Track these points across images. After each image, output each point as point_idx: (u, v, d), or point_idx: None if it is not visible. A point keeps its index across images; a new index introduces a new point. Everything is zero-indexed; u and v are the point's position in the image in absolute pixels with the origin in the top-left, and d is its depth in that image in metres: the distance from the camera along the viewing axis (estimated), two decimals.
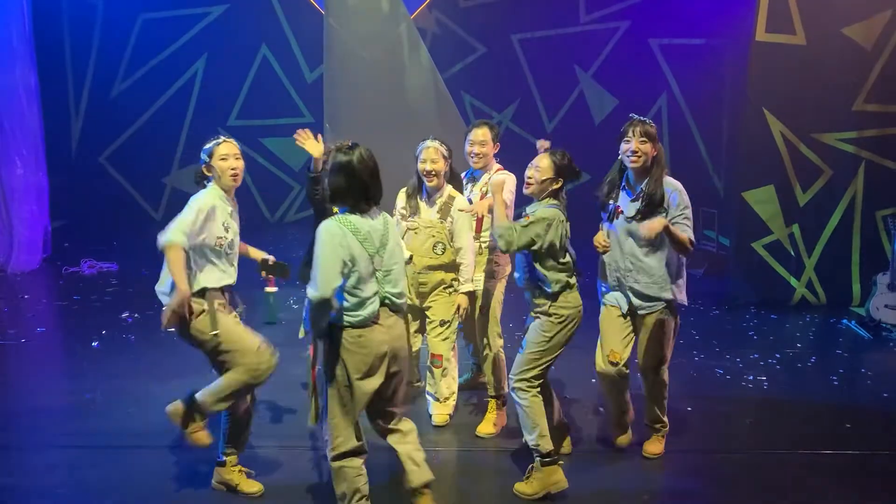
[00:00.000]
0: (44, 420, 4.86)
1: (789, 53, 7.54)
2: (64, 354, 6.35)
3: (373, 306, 3.40)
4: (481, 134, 4.82)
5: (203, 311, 3.72)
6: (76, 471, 4.17)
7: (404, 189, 4.71)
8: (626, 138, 4.07)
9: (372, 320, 3.39)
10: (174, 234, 3.60)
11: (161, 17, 11.00)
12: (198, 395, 3.74)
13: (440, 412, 4.82)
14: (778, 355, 6.35)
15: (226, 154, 3.85)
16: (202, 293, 3.74)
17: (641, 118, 4.09)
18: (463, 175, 4.97)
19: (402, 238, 4.45)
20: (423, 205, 4.62)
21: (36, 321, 7.06)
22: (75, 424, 4.75)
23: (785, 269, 7.89)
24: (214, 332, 3.70)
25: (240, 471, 3.97)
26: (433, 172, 4.51)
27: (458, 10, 11.23)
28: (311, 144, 4.21)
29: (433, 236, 4.54)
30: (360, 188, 3.41)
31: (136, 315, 7.06)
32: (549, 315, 3.94)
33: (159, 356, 6.02)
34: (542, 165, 3.95)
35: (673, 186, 4.08)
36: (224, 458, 3.95)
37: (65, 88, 11.05)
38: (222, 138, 3.93)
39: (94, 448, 4.41)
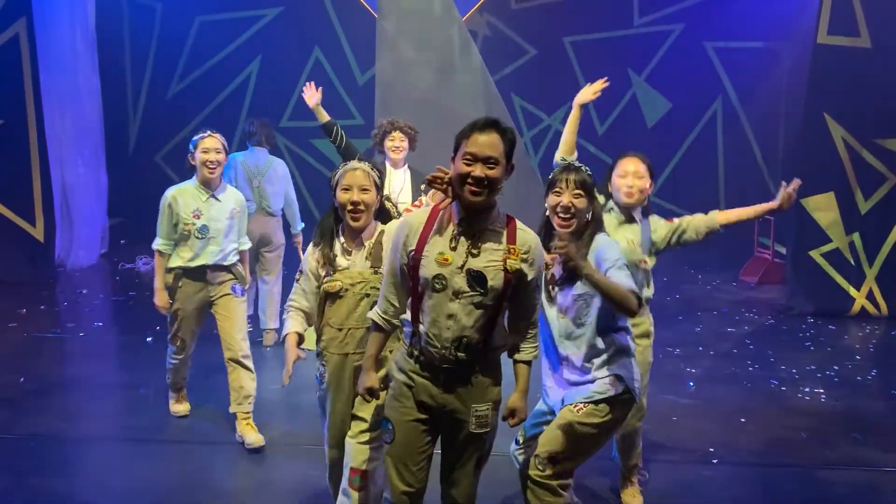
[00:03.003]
0: (99, 413, 4.99)
1: (853, 56, 7.32)
2: (119, 349, 6.51)
3: None
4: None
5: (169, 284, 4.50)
6: (130, 464, 4.25)
7: (312, 244, 3.25)
8: (555, 189, 3.00)
9: None
10: (156, 243, 4.48)
11: (217, 19, 11.22)
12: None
13: None
14: (836, 367, 6.16)
15: (207, 148, 4.38)
16: (171, 270, 4.47)
17: (576, 164, 3.09)
18: None
19: (321, 305, 3.18)
20: (342, 255, 3.17)
21: (93, 316, 7.26)
22: (129, 418, 4.85)
23: (844, 278, 7.65)
24: (167, 307, 4.53)
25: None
26: (361, 206, 3.10)
27: (510, 12, 11.19)
28: (308, 94, 4.99)
29: (367, 294, 3.09)
30: None
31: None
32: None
33: (209, 352, 6.11)
34: (641, 170, 3.67)
35: (605, 240, 3.02)
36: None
37: (124, 89, 11.35)
38: (209, 133, 4.43)
39: (148, 441, 4.50)
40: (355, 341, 3.09)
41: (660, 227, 3.77)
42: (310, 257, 3.20)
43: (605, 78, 4.34)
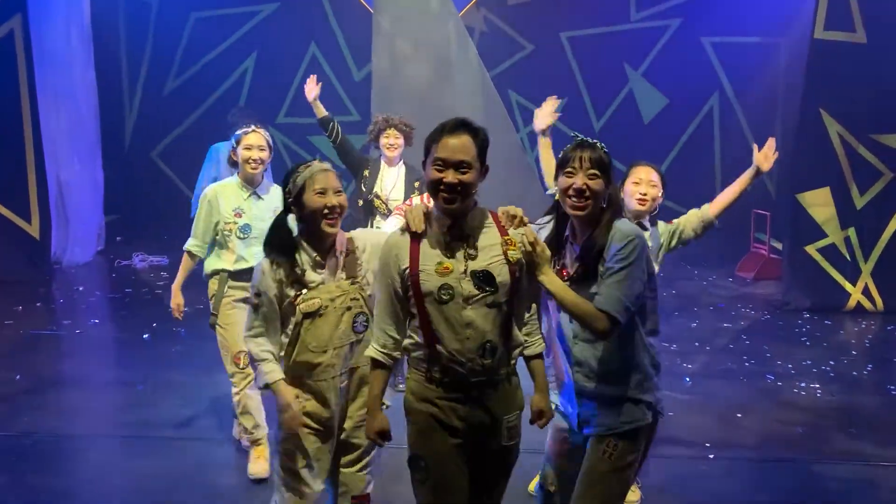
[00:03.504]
0: (96, 410, 4.98)
1: (849, 52, 7.32)
2: (116, 346, 6.50)
3: None
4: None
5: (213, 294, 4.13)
6: (127, 461, 4.26)
7: (266, 261, 2.80)
8: (567, 169, 2.61)
9: None
10: (187, 243, 4.14)
11: (212, 15, 11.19)
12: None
13: None
14: (832, 362, 6.17)
15: (250, 144, 4.07)
16: (213, 275, 4.13)
17: (590, 139, 2.65)
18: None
19: (290, 330, 2.81)
20: (312, 270, 2.81)
21: (90, 313, 7.25)
22: (127, 415, 4.85)
23: (840, 273, 7.66)
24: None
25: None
26: (338, 209, 2.80)
27: (507, 7, 11.17)
28: (308, 88, 4.94)
29: (349, 307, 2.83)
30: None
31: (185, 308, 7.15)
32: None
33: (208, 348, 6.09)
34: (654, 179, 3.57)
35: (622, 233, 2.58)
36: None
37: (120, 86, 11.32)
38: (252, 128, 4.14)
39: (145, 438, 4.50)
40: (341, 360, 2.83)
41: (664, 232, 3.78)
42: (265, 278, 2.76)
43: (555, 96, 4.21)
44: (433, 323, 2.51)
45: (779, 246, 8.87)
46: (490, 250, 2.54)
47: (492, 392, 2.56)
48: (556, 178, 2.66)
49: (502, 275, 2.51)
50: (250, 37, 11.27)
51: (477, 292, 2.50)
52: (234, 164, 4.19)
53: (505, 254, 2.53)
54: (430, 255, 2.52)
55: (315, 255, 2.80)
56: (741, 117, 11.13)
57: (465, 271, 2.50)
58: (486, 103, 7.46)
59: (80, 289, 8.12)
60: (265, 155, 4.11)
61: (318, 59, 11.27)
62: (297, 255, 2.78)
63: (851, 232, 7.60)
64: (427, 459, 2.56)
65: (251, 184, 4.14)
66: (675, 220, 3.82)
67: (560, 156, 2.66)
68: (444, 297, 2.49)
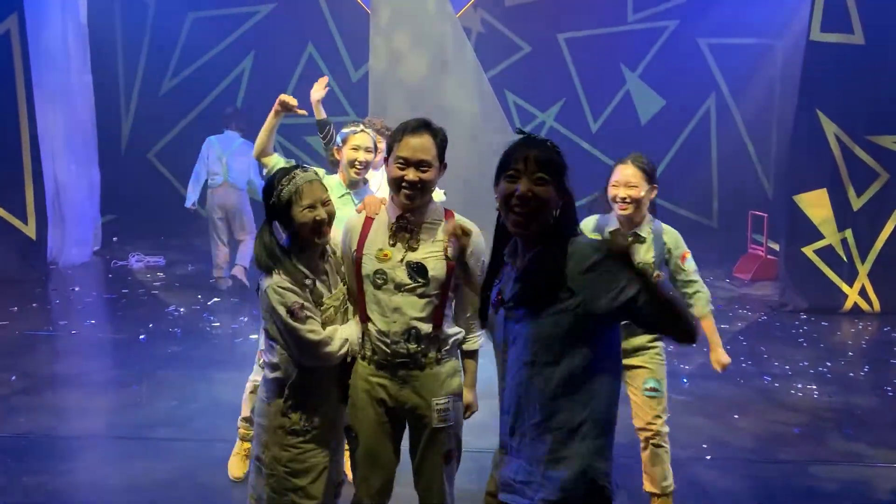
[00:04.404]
0: (92, 411, 4.96)
1: (846, 53, 7.33)
2: (112, 346, 6.47)
3: None
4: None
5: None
6: (123, 461, 4.24)
7: (274, 284, 2.58)
8: (509, 171, 2.07)
9: None
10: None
11: (210, 15, 11.17)
12: None
13: None
14: (828, 363, 6.17)
15: (357, 145, 3.76)
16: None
17: (537, 136, 2.13)
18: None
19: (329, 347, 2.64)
20: (320, 284, 2.71)
21: (86, 313, 7.22)
22: (122, 416, 4.83)
23: (837, 275, 7.67)
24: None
25: None
26: (328, 221, 2.68)
27: (504, 8, 11.17)
28: (316, 88, 4.67)
29: (348, 306, 2.80)
30: None
31: (181, 309, 7.17)
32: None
33: (204, 349, 6.12)
34: (633, 178, 3.36)
35: (591, 248, 2.05)
36: None
37: (116, 86, 11.28)
38: (361, 127, 3.84)
39: (141, 439, 4.48)
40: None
41: (672, 241, 3.49)
42: (291, 294, 2.57)
43: None
44: (367, 303, 2.69)
45: (776, 247, 8.88)
46: (432, 245, 2.68)
47: (419, 374, 2.69)
48: (495, 184, 2.11)
49: (437, 269, 2.66)
50: (247, 37, 11.24)
51: (409, 282, 2.65)
52: (333, 162, 3.86)
53: (445, 251, 2.67)
54: (375, 242, 2.70)
55: (306, 270, 2.63)
56: (738, 119, 11.14)
57: (402, 261, 2.66)
58: (483, 104, 7.46)
59: (76, 289, 8.10)
60: (371, 157, 3.79)
61: (315, 60, 11.26)
62: (296, 267, 2.61)
63: (848, 233, 7.61)
64: (356, 430, 2.75)
65: (353, 186, 3.78)
66: (692, 269, 3.54)
67: (501, 157, 2.12)
68: (378, 282, 2.66)
